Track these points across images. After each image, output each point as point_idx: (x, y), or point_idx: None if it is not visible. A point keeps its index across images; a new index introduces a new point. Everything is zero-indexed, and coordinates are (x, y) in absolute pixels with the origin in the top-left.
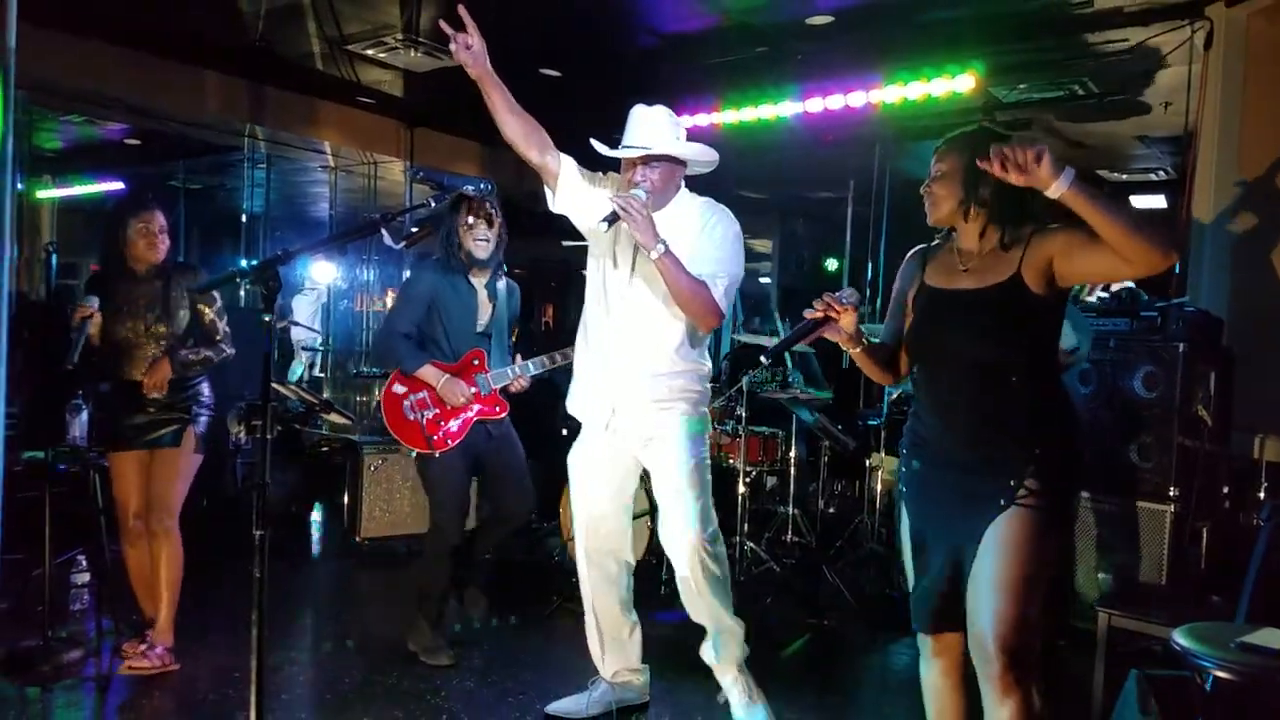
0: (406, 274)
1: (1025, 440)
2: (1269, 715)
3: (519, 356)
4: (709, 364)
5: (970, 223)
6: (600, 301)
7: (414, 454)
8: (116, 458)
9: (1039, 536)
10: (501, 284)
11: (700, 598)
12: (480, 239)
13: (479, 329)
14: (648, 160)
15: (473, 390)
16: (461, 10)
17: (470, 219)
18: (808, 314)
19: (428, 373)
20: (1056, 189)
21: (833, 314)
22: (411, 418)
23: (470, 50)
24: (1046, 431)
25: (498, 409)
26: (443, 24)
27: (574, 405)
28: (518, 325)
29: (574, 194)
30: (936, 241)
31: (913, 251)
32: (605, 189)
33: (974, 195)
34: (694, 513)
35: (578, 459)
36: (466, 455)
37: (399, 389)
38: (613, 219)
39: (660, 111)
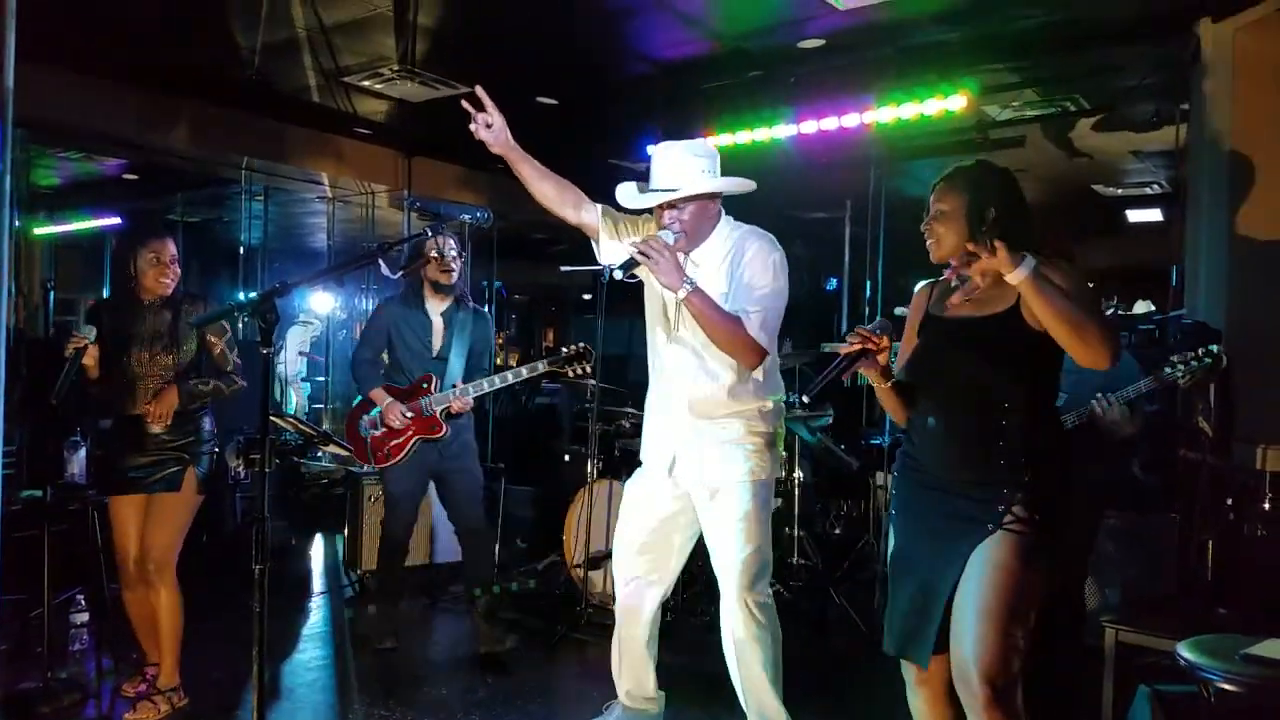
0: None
1: (1016, 467)
2: None
3: (460, 381)
4: (775, 399)
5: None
6: (653, 349)
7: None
8: (116, 502)
9: (1024, 563)
10: (464, 313)
11: (743, 665)
12: (444, 269)
13: (433, 354)
14: (675, 203)
15: (410, 414)
16: (479, 90)
17: (434, 252)
18: (842, 348)
19: (377, 395)
20: (1015, 276)
21: (870, 346)
22: (362, 434)
23: (491, 129)
24: (1038, 460)
25: (434, 430)
26: (465, 103)
27: (643, 451)
28: (492, 349)
29: (617, 245)
30: (944, 276)
31: (921, 284)
32: (646, 232)
33: (978, 233)
34: (739, 565)
35: (633, 487)
36: (419, 472)
37: (360, 408)
38: (629, 265)
39: (681, 148)
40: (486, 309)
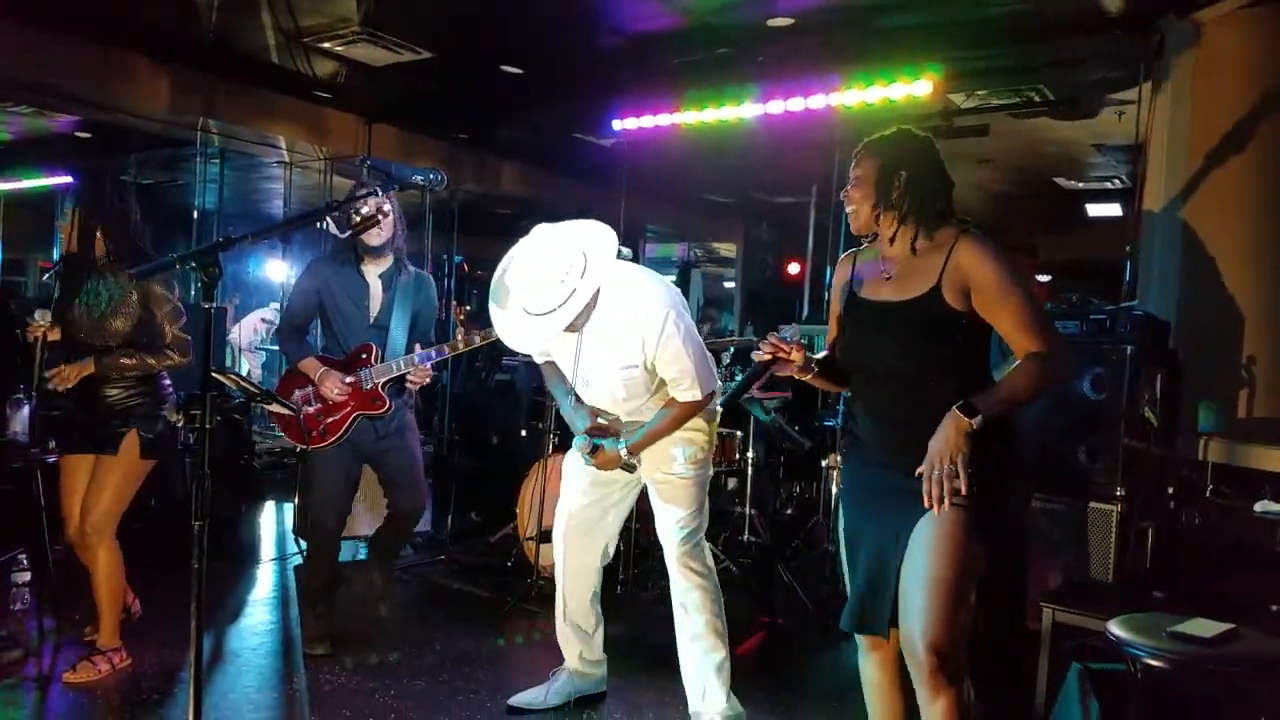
0: None
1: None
2: (1199, 702)
3: (418, 347)
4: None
5: (886, 228)
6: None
7: (298, 448)
8: (65, 461)
9: (966, 537)
10: (406, 276)
11: (689, 615)
12: (373, 229)
13: (370, 321)
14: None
15: (350, 384)
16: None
17: (364, 209)
18: (756, 356)
19: (308, 365)
20: (977, 426)
21: (781, 354)
22: (294, 412)
23: None
24: (977, 434)
25: (376, 404)
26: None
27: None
28: (434, 317)
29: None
30: (865, 245)
31: (842, 256)
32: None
33: (886, 199)
34: (675, 528)
35: (569, 460)
36: (348, 452)
37: (289, 382)
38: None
39: (537, 274)
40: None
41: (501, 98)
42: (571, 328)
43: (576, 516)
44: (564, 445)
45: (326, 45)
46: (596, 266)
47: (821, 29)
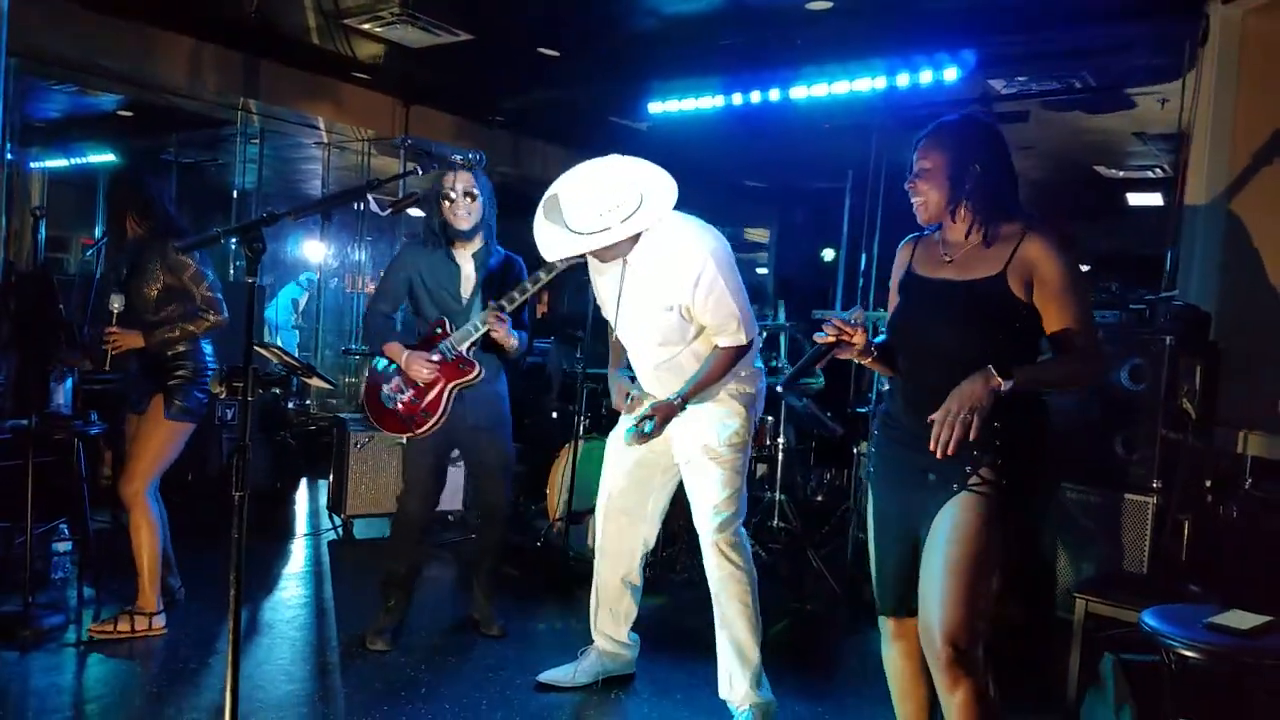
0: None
1: (988, 430)
2: (1235, 694)
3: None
4: (752, 366)
5: (959, 221)
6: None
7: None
8: (128, 420)
9: (989, 525)
10: (495, 258)
11: (720, 603)
12: (460, 212)
13: (464, 303)
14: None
15: (435, 361)
16: None
17: (450, 193)
18: (818, 339)
19: (393, 349)
20: (1005, 389)
21: (845, 337)
22: (390, 406)
23: None
24: (1011, 424)
25: (465, 370)
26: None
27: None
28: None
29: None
30: (928, 231)
31: (905, 240)
32: (599, 276)
33: (961, 190)
34: (711, 510)
35: (615, 434)
36: (443, 438)
37: (374, 379)
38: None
39: (591, 197)
40: None
41: (538, 80)
42: (614, 257)
43: (617, 499)
44: (594, 427)
45: (366, 27)
46: (644, 214)
47: (861, 11)
